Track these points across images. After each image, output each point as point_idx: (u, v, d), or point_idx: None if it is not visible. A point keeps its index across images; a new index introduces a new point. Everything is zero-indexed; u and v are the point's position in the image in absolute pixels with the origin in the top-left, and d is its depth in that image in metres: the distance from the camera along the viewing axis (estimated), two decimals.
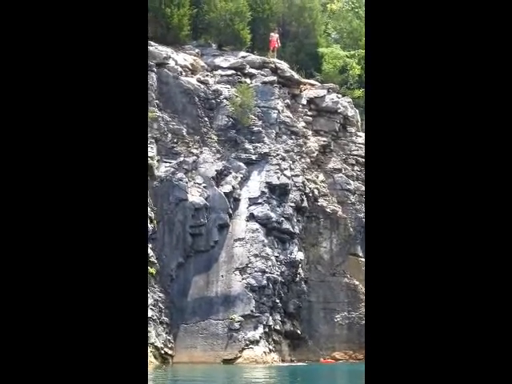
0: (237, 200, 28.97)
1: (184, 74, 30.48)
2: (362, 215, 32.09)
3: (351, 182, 32.52)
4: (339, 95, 33.62)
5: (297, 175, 30.51)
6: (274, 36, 33.50)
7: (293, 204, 29.87)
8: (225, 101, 30.41)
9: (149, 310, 24.01)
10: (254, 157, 29.80)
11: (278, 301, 28.35)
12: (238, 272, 27.76)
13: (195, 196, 28.02)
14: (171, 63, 30.15)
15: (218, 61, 32.08)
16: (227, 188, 28.75)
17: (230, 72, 31.51)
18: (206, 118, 30.04)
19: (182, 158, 28.59)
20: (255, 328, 27.05)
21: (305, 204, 30.44)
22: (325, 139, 32.48)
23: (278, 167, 29.91)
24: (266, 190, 29.36)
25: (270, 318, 27.74)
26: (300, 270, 29.59)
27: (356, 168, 33.02)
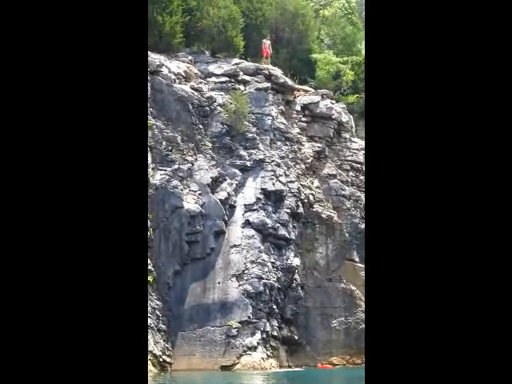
0: (232, 207, 28.99)
1: (177, 81, 30.50)
2: (358, 220, 32.16)
3: (346, 187, 32.57)
4: (333, 101, 33.71)
5: (292, 181, 30.54)
6: (266, 43, 33.59)
7: (288, 210, 29.90)
8: (219, 108, 30.45)
9: None
10: (248, 163, 29.83)
11: (274, 307, 28.35)
12: (234, 279, 27.75)
13: (191, 203, 28.01)
14: (164, 71, 30.18)
15: (212, 68, 32.13)
16: (222, 195, 28.76)
17: (223, 79, 31.56)
18: (201, 125, 30.07)
19: (176, 166, 28.59)
20: (252, 334, 27.03)
21: (300, 210, 30.47)
22: (319, 145, 32.54)
23: (272, 173, 29.94)
24: (262, 197, 29.38)
25: (267, 324, 27.73)
26: (296, 276, 29.60)
27: (351, 173, 33.09)
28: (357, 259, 31.67)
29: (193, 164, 29.03)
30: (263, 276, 27.92)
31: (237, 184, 29.35)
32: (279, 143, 31.21)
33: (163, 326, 26.38)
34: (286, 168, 30.67)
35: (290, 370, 27.89)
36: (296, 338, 29.36)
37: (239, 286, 27.63)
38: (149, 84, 28.87)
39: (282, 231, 29.35)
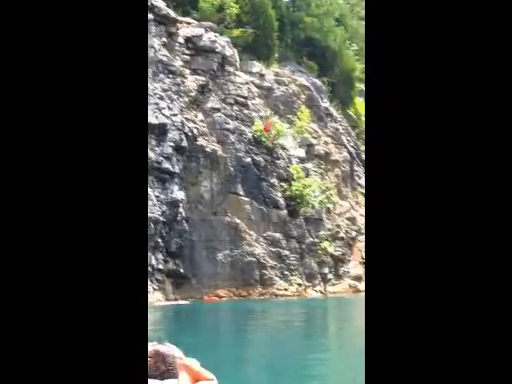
0: None
1: None
2: (242, 154, 32.16)
3: (230, 121, 32.45)
4: (217, 34, 33.30)
5: (175, 114, 30.14)
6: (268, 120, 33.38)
7: (172, 143, 29.54)
8: None
9: None
10: None
11: (160, 240, 28.13)
12: None
13: None
14: None
15: None
16: None
17: None
18: None
19: None
20: None
21: (184, 143, 30.15)
22: (203, 79, 32.20)
23: (156, 106, 29.43)
24: None
25: (153, 257, 27.53)
26: (181, 210, 29.41)
27: (235, 107, 32.96)
28: (241, 192, 31.75)
29: None
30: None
31: None
32: (162, 76, 30.63)
33: None
34: (169, 101, 30.19)
35: (176, 302, 27.83)
36: (182, 271, 29.29)
37: None
38: None
39: (166, 165, 29.01)
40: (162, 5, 32.09)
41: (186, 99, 31.15)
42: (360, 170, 40.44)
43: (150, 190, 28.09)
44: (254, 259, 31.06)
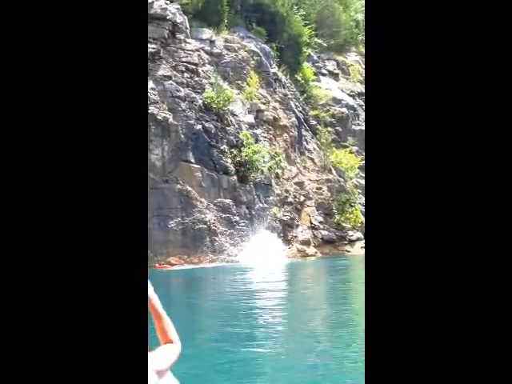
0: None
1: None
2: (193, 121, 32.39)
3: (181, 88, 32.56)
4: (167, 1, 33.20)
5: None
6: None
7: None
8: None
9: None
10: None
11: None
12: None
13: None
14: None
15: None
16: None
17: None
18: None
19: None
20: None
21: None
22: (154, 46, 32.13)
23: None
24: None
25: None
26: None
27: (186, 75, 33.05)
28: (192, 160, 32.04)
29: None
30: None
31: None
32: None
33: None
34: None
35: None
36: None
37: None
38: None
39: None
40: None
41: None
42: (308, 135, 40.98)
43: None
44: (205, 226, 31.52)
